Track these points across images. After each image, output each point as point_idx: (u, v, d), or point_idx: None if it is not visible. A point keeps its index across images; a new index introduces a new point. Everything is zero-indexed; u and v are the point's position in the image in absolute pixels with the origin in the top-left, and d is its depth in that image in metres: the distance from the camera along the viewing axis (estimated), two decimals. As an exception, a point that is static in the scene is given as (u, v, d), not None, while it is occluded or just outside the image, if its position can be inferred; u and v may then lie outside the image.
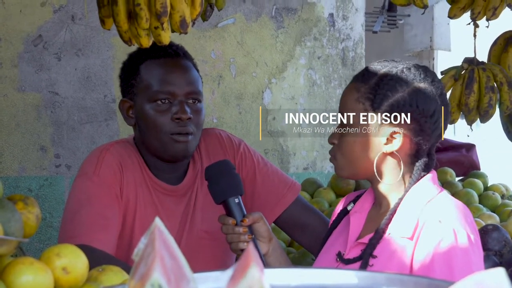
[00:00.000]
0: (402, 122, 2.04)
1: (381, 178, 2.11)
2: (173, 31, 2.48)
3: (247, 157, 2.67)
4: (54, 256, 1.62)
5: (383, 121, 2.05)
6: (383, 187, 2.13)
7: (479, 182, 4.08)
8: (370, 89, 2.07)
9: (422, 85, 2.07)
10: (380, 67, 2.11)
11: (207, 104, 4.46)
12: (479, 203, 3.86)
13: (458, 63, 3.43)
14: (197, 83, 2.53)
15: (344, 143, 2.11)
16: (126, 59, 2.62)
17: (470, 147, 4.69)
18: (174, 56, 2.53)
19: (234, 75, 4.61)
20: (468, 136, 3.39)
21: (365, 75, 2.11)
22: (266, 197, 2.64)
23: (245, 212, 2.27)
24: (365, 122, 2.07)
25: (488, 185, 4.16)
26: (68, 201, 2.47)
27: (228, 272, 1.04)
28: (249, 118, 4.65)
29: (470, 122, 3.36)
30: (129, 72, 2.55)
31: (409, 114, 2.04)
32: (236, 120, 4.61)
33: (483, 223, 3.17)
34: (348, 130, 2.10)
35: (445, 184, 4.09)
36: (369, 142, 2.08)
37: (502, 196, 4.03)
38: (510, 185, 4.29)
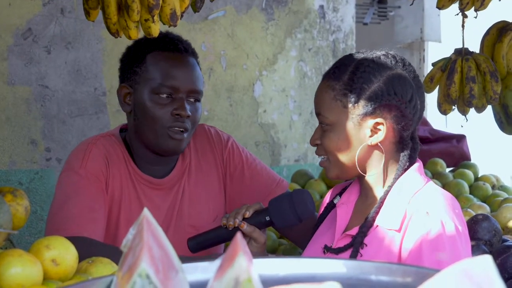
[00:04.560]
0: (383, 111, 2.04)
1: (368, 170, 2.11)
2: (162, 23, 2.47)
3: (235, 153, 2.68)
4: (43, 248, 1.62)
5: (364, 114, 2.04)
6: (370, 178, 2.13)
7: (469, 173, 4.10)
8: (345, 85, 2.06)
9: (395, 72, 2.06)
10: (349, 61, 2.10)
11: (198, 97, 4.45)
12: (470, 194, 3.88)
13: (449, 54, 3.43)
14: (200, 82, 2.53)
15: (328, 142, 2.10)
16: (132, 45, 2.60)
17: (460, 138, 4.70)
18: (183, 52, 2.53)
19: (225, 68, 4.60)
20: (462, 126, 3.39)
21: (336, 72, 2.09)
22: (254, 193, 2.64)
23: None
24: (346, 119, 2.06)
25: (479, 176, 4.18)
26: (55, 194, 2.48)
27: (217, 262, 1.04)
28: (240, 110, 4.65)
29: (462, 113, 3.37)
30: (134, 59, 2.54)
31: (389, 103, 2.04)
32: (227, 113, 4.60)
33: (474, 214, 3.18)
34: (330, 129, 2.09)
35: (435, 175, 4.10)
36: (354, 137, 2.07)
37: (493, 187, 4.04)
38: (500, 175, 4.30)
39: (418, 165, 2.13)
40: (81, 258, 1.75)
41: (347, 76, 2.06)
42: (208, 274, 1.08)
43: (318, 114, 2.11)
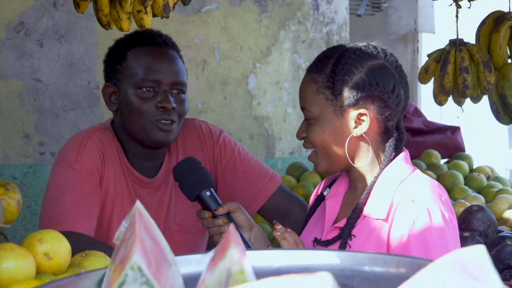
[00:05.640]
0: (366, 102, 2.05)
1: (355, 162, 2.11)
2: (154, 15, 2.46)
3: (227, 148, 2.67)
4: (36, 242, 1.62)
5: (347, 105, 2.05)
6: (357, 170, 2.13)
7: (464, 164, 4.10)
8: (327, 78, 2.07)
9: (376, 62, 2.07)
10: (331, 54, 2.11)
11: (192, 90, 4.44)
12: (465, 185, 3.88)
13: (443, 45, 3.43)
14: (183, 75, 2.53)
15: (314, 136, 2.10)
16: (113, 45, 2.61)
17: (455, 129, 4.70)
18: (162, 46, 2.53)
19: (218, 60, 4.59)
20: (458, 117, 3.40)
21: (318, 65, 2.10)
22: (248, 187, 2.64)
23: (220, 202, 2.23)
24: (330, 111, 2.07)
25: (474, 167, 4.18)
26: (48, 187, 2.46)
27: (210, 255, 1.03)
28: (234, 103, 4.64)
29: (457, 103, 3.37)
30: (115, 57, 2.54)
31: (371, 93, 2.04)
32: (221, 105, 4.59)
33: (469, 205, 3.18)
34: (315, 122, 2.09)
35: (430, 166, 4.10)
36: (339, 129, 2.07)
37: (488, 178, 4.05)
38: (495, 166, 4.31)
39: (404, 154, 2.13)
40: (74, 254, 1.74)
41: (329, 69, 2.07)
42: (201, 267, 1.08)
43: (303, 108, 2.13)
